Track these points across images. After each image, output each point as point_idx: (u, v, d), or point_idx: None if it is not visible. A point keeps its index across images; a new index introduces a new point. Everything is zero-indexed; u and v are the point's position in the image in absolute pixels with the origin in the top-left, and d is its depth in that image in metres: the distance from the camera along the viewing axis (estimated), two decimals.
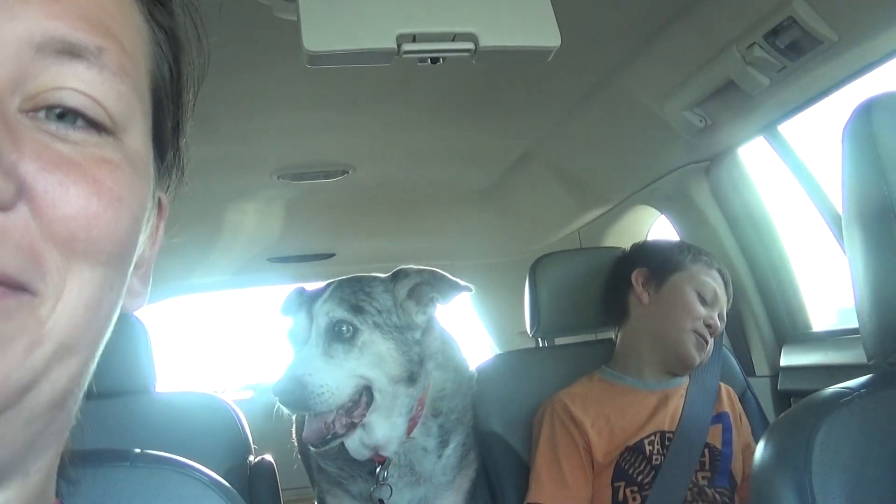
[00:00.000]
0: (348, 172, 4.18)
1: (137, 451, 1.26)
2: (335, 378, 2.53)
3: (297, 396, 2.47)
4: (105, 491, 1.15)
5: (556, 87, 3.30)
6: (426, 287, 2.77)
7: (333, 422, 2.56)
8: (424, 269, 2.79)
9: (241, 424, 2.94)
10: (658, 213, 4.17)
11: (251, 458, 2.90)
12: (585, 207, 4.59)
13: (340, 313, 2.60)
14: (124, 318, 2.32)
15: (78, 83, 0.71)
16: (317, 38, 1.63)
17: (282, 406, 2.52)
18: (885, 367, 1.57)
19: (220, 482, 1.25)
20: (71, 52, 0.71)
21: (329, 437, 2.55)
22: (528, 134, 3.91)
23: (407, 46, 1.69)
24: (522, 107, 3.55)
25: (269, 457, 2.93)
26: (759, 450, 1.54)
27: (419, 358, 2.71)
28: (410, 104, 3.43)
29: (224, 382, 6.42)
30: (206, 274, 5.68)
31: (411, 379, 2.69)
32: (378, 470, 2.71)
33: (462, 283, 2.79)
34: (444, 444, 2.80)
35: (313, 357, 2.54)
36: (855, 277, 1.56)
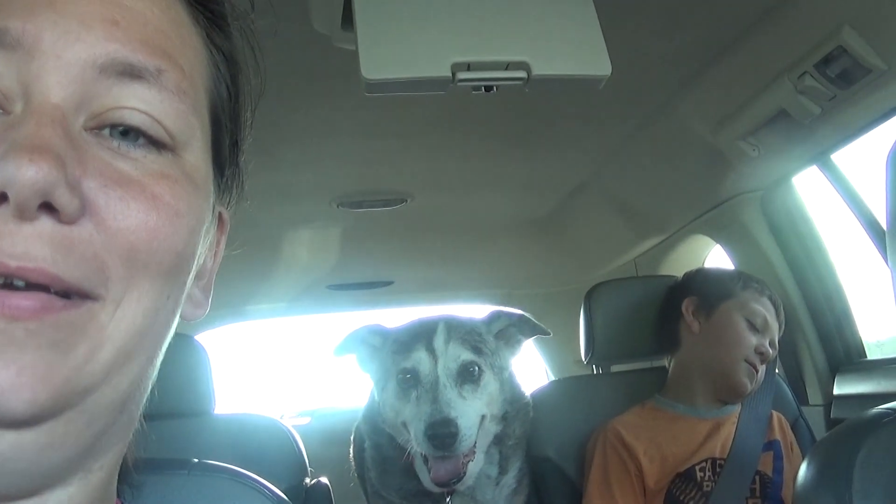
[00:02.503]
0: (407, 201, 4.20)
1: (195, 460, 1.30)
2: (472, 418, 2.56)
3: (454, 439, 2.46)
4: (164, 496, 1.19)
5: (611, 116, 3.31)
6: (514, 329, 2.82)
7: (464, 461, 2.57)
8: (514, 313, 2.86)
9: (298, 446, 2.96)
10: (714, 242, 4.16)
11: (307, 480, 2.93)
12: (641, 237, 4.58)
13: (469, 355, 2.64)
14: (185, 342, 2.38)
15: (139, 102, 0.75)
16: (374, 66, 1.67)
17: (426, 447, 2.50)
18: None
19: (274, 491, 1.29)
20: (132, 73, 0.75)
21: (457, 478, 2.56)
22: (583, 163, 3.91)
23: (462, 75, 1.71)
24: (578, 136, 3.56)
25: (324, 479, 2.96)
26: (802, 469, 1.55)
27: (510, 396, 2.77)
28: (468, 134, 3.45)
29: (282, 408, 6.44)
30: (265, 301, 5.70)
31: (504, 417, 2.75)
32: (448, 499, 2.71)
33: (543, 326, 2.85)
34: (503, 471, 2.82)
35: (454, 398, 2.55)
36: None
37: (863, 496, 1.38)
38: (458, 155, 3.71)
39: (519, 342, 2.87)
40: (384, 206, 4.25)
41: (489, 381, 2.67)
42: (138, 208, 0.72)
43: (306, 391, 6.98)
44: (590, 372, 3.49)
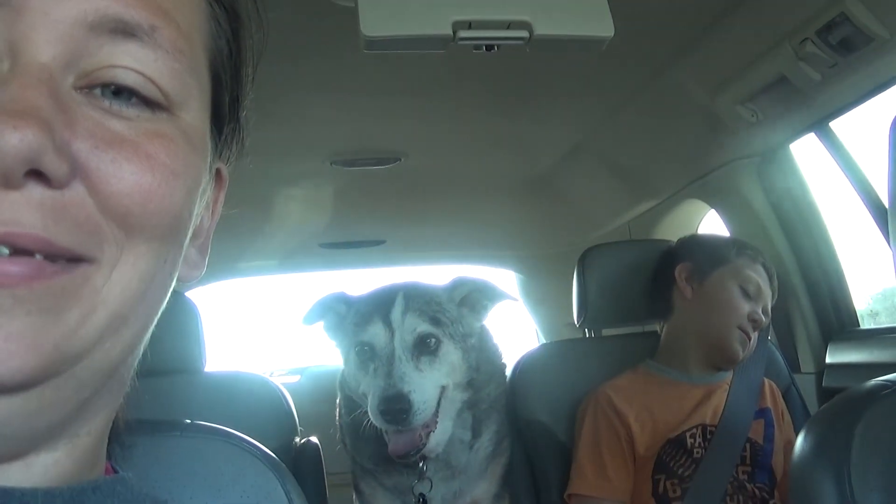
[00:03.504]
0: (400, 160, 4.19)
1: (187, 421, 1.29)
2: (429, 391, 2.56)
3: (406, 414, 2.47)
4: (156, 458, 1.18)
5: (609, 79, 3.30)
6: (478, 294, 2.81)
7: (421, 433, 2.59)
8: (478, 279, 2.86)
9: (288, 405, 2.96)
10: (708, 207, 4.15)
11: (297, 439, 2.93)
12: (636, 200, 4.58)
13: (426, 327, 2.63)
14: (176, 298, 2.35)
15: (132, 61, 0.72)
16: (374, 23, 1.64)
17: (379, 422, 2.51)
18: None
19: (266, 452, 1.28)
20: (124, 30, 0.72)
21: (416, 449, 2.58)
22: (579, 125, 3.91)
23: (462, 33, 1.70)
24: (574, 98, 3.55)
25: (314, 439, 2.95)
26: (800, 441, 1.54)
27: (476, 364, 2.76)
28: (463, 94, 3.44)
29: (272, 366, 6.44)
30: (258, 258, 5.69)
31: (469, 384, 2.74)
32: (421, 465, 2.72)
33: (508, 292, 2.87)
34: (476, 434, 2.82)
35: (409, 372, 2.54)
36: None
37: (861, 469, 1.37)
38: (453, 114, 3.71)
39: (485, 308, 2.85)
40: (378, 165, 4.24)
41: (449, 352, 2.67)
42: (132, 170, 0.70)
43: (296, 349, 6.96)
44: (581, 335, 3.48)
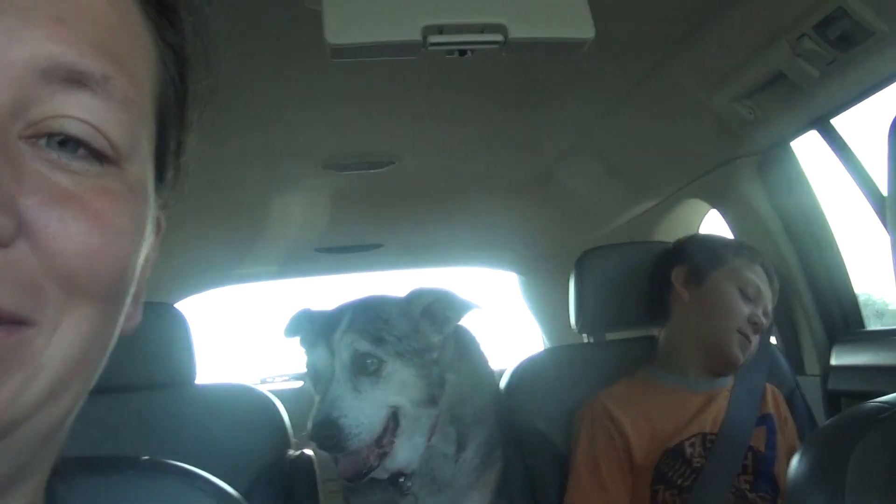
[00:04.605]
0: (395, 163, 4.18)
1: (145, 458, 1.24)
2: (367, 413, 2.55)
3: (336, 440, 2.46)
4: (109, 499, 1.13)
5: (604, 77, 3.28)
6: (438, 305, 2.76)
7: (368, 455, 2.57)
8: (437, 289, 2.81)
9: (281, 417, 2.93)
10: (709, 206, 4.10)
11: (290, 452, 2.89)
12: (634, 200, 4.55)
13: (363, 346, 2.60)
14: (164, 310, 2.30)
15: (81, 112, 0.69)
16: (340, 30, 1.62)
17: (315, 445, 2.53)
18: None
19: (226, 492, 1.23)
20: (77, 80, 0.68)
21: (366, 470, 2.57)
22: (575, 125, 3.89)
23: (433, 38, 1.66)
24: (570, 97, 3.53)
25: (308, 451, 2.92)
26: (794, 464, 1.50)
27: (439, 379, 2.73)
28: (457, 95, 3.42)
29: (274, 372, 6.42)
30: (254, 264, 5.69)
31: (432, 401, 2.70)
32: (402, 480, 2.72)
33: (473, 301, 2.80)
34: (461, 447, 2.80)
35: (343, 395, 2.53)
36: None
37: (855, 496, 1.33)
38: (446, 116, 3.70)
39: (448, 319, 2.78)
40: (371, 169, 4.23)
41: (396, 370, 2.63)
42: (79, 229, 0.66)
43: (298, 355, 6.95)
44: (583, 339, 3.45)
